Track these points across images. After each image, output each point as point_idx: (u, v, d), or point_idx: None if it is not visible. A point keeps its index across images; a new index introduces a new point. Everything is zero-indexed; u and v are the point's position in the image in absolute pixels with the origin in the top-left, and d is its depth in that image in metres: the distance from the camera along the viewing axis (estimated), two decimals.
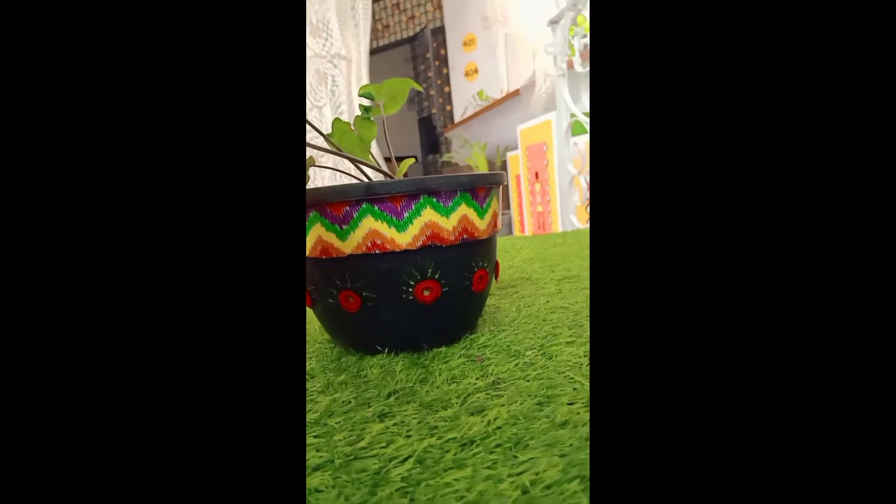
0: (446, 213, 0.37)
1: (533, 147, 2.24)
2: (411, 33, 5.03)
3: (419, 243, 0.36)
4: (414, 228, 0.36)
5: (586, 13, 1.58)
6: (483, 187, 0.39)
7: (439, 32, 4.79)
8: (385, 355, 0.39)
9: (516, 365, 0.35)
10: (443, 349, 0.39)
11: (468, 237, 0.38)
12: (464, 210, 0.38)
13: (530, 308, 0.49)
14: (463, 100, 4.42)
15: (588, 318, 0.44)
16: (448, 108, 4.87)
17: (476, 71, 4.49)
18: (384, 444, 0.26)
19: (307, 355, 0.41)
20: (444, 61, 4.82)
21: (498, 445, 0.25)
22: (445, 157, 4.22)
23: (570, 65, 1.57)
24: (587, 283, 0.57)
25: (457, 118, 4.47)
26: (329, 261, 0.37)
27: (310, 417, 0.30)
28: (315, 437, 0.27)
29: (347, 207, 0.35)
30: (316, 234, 0.37)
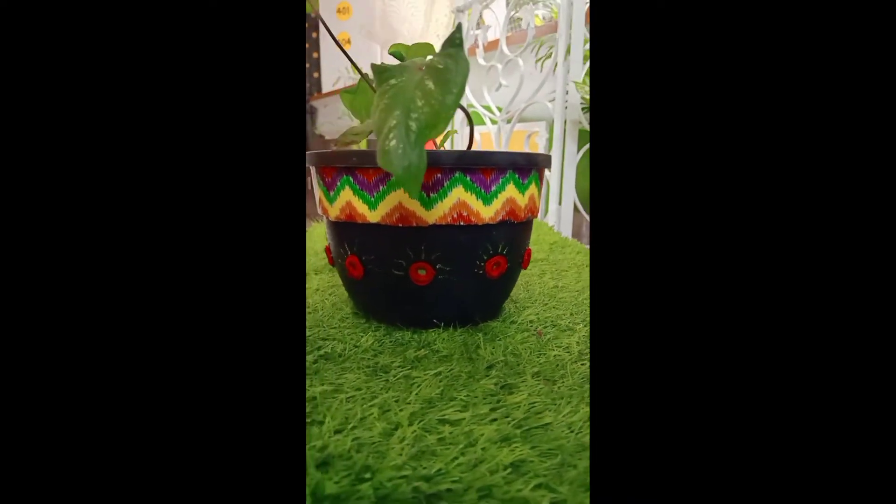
0: (522, 190, 0.37)
1: None
2: None
3: (499, 218, 0.36)
4: (497, 203, 0.36)
5: (494, 7, 1.65)
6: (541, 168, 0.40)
7: None
8: (443, 330, 0.38)
9: (570, 336, 0.37)
10: (491, 324, 0.40)
11: (532, 215, 0.39)
12: (533, 189, 0.38)
13: (533, 288, 0.52)
14: (334, 70, 4.21)
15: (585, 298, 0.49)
16: (315, 75, 4.59)
17: (349, 41, 4.31)
18: (542, 412, 0.26)
19: (357, 334, 0.38)
20: (314, 25, 4.51)
21: None
22: (318, 130, 3.98)
23: (472, 52, 1.62)
24: (560, 266, 0.62)
25: (325, 89, 4.23)
26: (406, 229, 0.34)
27: (432, 394, 0.28)
28: (457, 411, 0.26)
29: (439, 175, 0.33)
30: (395, 201, 0.34)
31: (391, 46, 0.44)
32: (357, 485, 0.20)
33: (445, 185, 0.34)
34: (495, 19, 1.56)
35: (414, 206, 0.34)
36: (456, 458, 0.22)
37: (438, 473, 0.21)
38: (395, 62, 0.46)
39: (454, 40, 0.26)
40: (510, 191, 0.36)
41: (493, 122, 1.46)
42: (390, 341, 0.36)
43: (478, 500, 0.20)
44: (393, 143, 0.23)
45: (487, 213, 0.35)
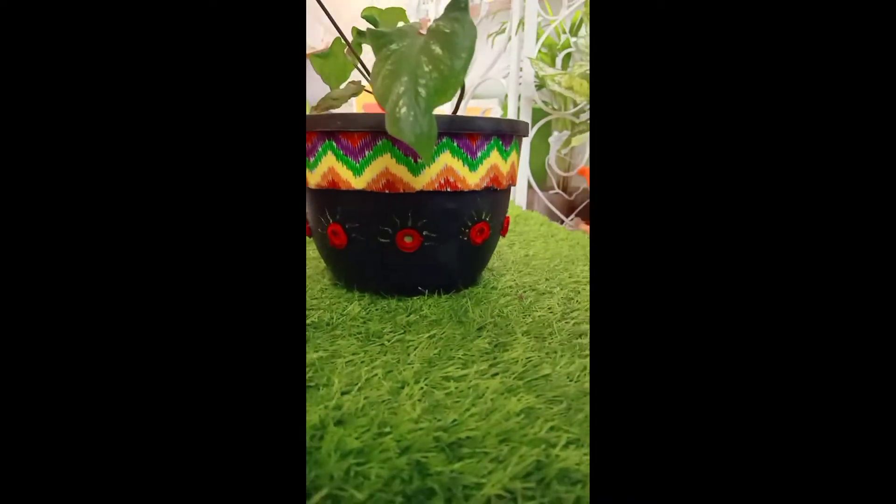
0: (505, 156, 0.38)
1: (369, 106, 2.21)
2: None
3: (484, 184, 0.37)
4: (482, 169, 0.36)
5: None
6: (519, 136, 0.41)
7: None
8: (427, 296, 0.38)
9: (552, 299, 0.39)
10: (474, 290, 0.41)
11: (511, 183, 0.40)
12: (513, 157, 0.39)
13: (505, 257, 0.53)
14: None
15: (560, 266, 0.51)
16: None
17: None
18: (537, 365, 0.27)
19: (341, 303, 0.38)
20: None
21: None
22: None
23: (424, 25, 1.59)
24: (527, 236, 0.64)
25: None
26: (393, 196, 0.34)
27: (430, 354, 0.29)
28: (458, 369, 0.27)
29: None
30: (382, 166, 0.34)
31: (364, 10, 0.43)
32: (378, 438, 0.20)
33: (433, 150, 0.34)
34: None
35: (401, 171, 0.34)
36: (468, 409, 0.23)
37: (454, 423, 0.22)
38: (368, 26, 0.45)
39: (459, 4, 0.26)
40: (494, 157, 0.36)
41: None
42: (377, 309, 0.36)
43: (498, 444, 0.20)
44: (404, 110, 0.23)
45: (473, 179, 0.36)
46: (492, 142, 0.36)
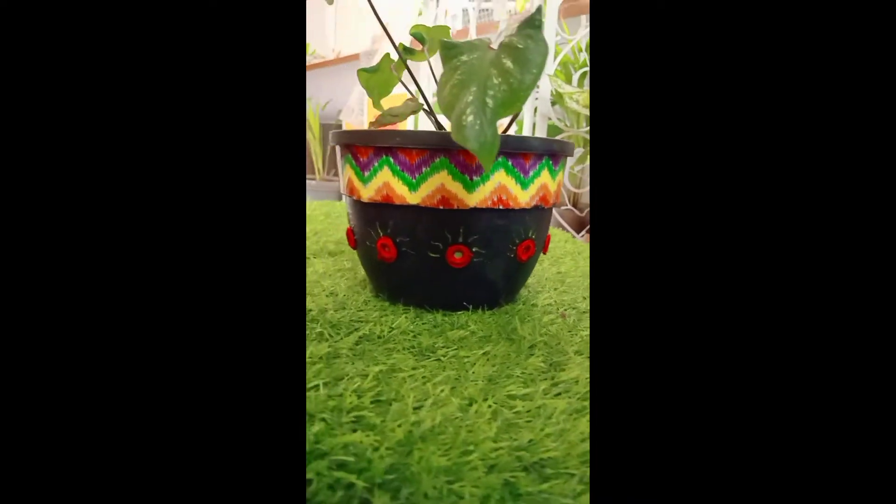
0: (554, 176, 0.38)
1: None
2: None
3: (534, 203, 0.37)
4: (532, 188, 0.37)
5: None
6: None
7: None
8: (472, 311, 0.39)
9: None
10: (515, 306, 0.41)
11: (556, 202, 0.41)
12: (560, 177, 0.40)
13: (538, 274, 0.54)
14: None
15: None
16: None
17: None
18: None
19: (388, 317, 0.38)
20: None
21: None
22: None
23: None
24: (554, 253, 0.64)
25: None
26: (446, 212, 0.35)
27: (489, 372, 0.29)
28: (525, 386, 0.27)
29: None
30: (438, 182, 0.34)
31: (412, 27, 0.44)
32: (463, 457, 0.21)
33: (494, 159, 0.34)
34: (461, 10, 1.56)
35: (456, 188, 0.34)
36: (542, 429, 0.23)
37: (531, 443, 0.22)
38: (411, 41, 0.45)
39: (534, 22, 0.26)
40: (544, 176, 0.37)
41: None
42: (424, 323, 0.36)
43: (580, 465, 0.21)
44: (470, 118, 0.24)
45: (524, 197, 0.36)
46: (543, 161, 0.36)
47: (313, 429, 0.21)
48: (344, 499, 0.18)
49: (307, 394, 0.24)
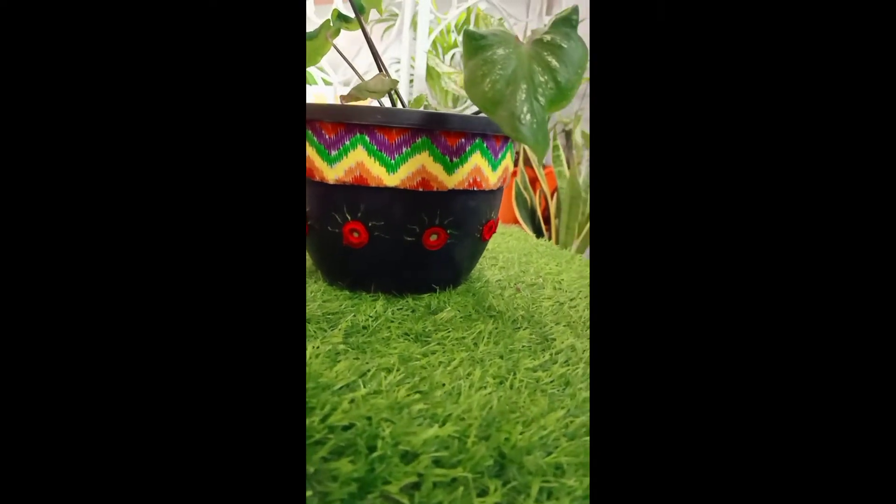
0: (511, 157, 0.40)
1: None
2: None
3: (500, 183, 0.38)
4: (500, 169, 0.38)
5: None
6: None
7: None
8: (439, 293, 0.39)
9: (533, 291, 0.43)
10: (473, 285, 0.42)
11: (505, 184, 0.42)
12: (509, 159, 0.42)
13: None
14: None
15: (524, 259, 0.55)
16: None
17: None
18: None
19: (361, 305, 0.36)
20: None
21: None
22: None
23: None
24: None
25: None
26: (425, 194, 0.34)
27: (495, 349, 0.30)
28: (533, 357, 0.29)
29: (463, 140, 0.34)
30: (418, 163, 0.33)
31: None
32: (540, 431, 0.21)
33: (467, 150, 0.34)
34: None
35: (437, 170, 0.34)
36: (574, 395, 0.25)
37: (576, 408, 0.24)
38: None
39: (570, 21, 0.27)
40: (507, 158, 0.38)
41: (327, 82, 1.39)
42: (399, 309, 0.35)
43: None
44: (528, 117, 0.24)
45: (493, 178, 0.37)
46: (508, 143, 0.38)
47: (386, 430, 0.20)
48: (462, 494, 0.18)
49: (341, 397, 0.23)
